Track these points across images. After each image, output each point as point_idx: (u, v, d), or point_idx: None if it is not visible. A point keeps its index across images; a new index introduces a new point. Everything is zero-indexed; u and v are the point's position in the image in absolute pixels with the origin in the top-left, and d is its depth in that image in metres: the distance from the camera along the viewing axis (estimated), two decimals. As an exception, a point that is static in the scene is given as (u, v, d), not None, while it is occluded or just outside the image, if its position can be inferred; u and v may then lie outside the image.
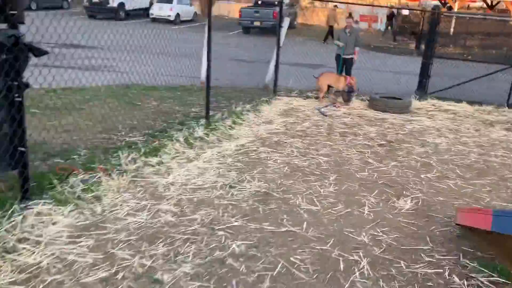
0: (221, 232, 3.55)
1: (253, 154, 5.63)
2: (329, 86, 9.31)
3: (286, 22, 10.38)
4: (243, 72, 9.21)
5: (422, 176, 5.34)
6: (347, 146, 6.27)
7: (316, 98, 9.42)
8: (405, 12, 21.25)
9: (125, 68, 7.69)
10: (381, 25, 28.93)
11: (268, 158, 5.50)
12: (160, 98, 8.09)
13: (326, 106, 8.65)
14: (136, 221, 3.62)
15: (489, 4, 26.69)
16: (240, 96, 9.10)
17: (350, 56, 9.77)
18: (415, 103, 9.52)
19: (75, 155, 4.76)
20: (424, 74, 10.12)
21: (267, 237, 3.56)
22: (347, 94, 9.21)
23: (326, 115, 8.11)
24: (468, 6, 31.68)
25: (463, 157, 6.14)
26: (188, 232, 3.51)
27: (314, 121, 7.60)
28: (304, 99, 9.44)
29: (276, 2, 23.42)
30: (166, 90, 8.90)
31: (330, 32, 20.08)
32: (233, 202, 4.13)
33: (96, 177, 4.16)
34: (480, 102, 9.86)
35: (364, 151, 6.10)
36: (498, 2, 25.73)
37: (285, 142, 6.22)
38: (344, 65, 9.87)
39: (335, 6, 26.98)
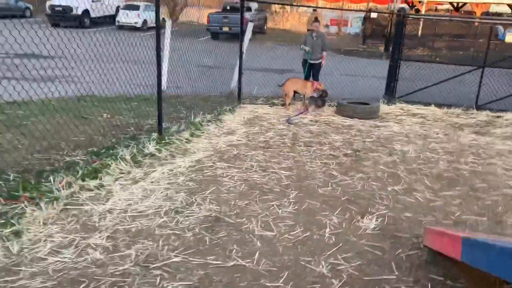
0: (157, 271, 3.05)
1: (208, 171, 5.15)
2: (295, 92, 8.93)
3: (249, 27, 9.97)
4: (208, 78, 8.78)
5: (389, 189, 4.95)
6: (311, 157, 5.85)
7: (283, 105, 9.01)
8: (374, 15, 21.14)
9: (84, 78, 7.10)
10: (351, 28, 28.92)
11: (224, 175, 5.03)
12: (115, 109, 7.54)
13: (297, 115, 8.23)
14: (58, 261, 3.09)
15: (455, 6, 26.95)
16: (203, 105, 8.62)
17: (317, 61, 9.42)
18: (383, 108, 9.22)
19: (1, 181, 4.18)
20: (392, 77, 9.85)
21: (211, 275, 3.08)
22: (321, 100, 8.85)
23: (292, 123, 7.70)
24: (436, 8, 32.01)
25: (431, 165, 5.80)
26: (117, 273, 3.00)
27: (279, 130, 7.17)
28: (270, 106, 9.02)
29: (245, 7, 23.21)
30: (124, 101, 8.34)
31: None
32: (177, 231, 3.64)
33: (19, 208, 3.61)
34: (449, 105, 9.64)
35: (328, 162, 5.69)
36: (464, 4, 25.97)
37: (245, 155, 5.76)
38: (311, 70, 9.52)
39: (314, 10, 26.82)
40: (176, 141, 5.98)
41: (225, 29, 21.32)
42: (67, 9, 21.92)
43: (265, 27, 25.25)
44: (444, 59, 15.68)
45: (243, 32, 8.75)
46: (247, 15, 22.42)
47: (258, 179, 4.98)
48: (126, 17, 23.13)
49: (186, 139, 6.21)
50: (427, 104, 9.69)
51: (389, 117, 8.62)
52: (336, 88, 10.05)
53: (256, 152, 5.91)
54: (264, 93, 9.98)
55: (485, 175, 5.53)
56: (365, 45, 22.45)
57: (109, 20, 24.25)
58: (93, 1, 23.06)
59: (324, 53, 9.39)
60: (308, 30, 20.46)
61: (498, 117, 8.98)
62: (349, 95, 10.02)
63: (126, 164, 4.89)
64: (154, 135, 5.88)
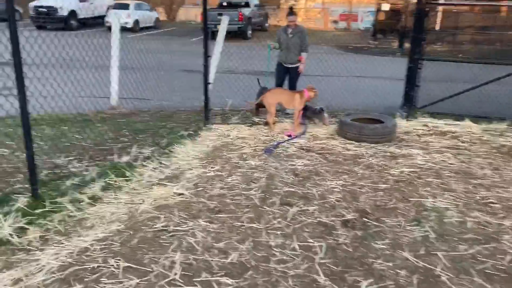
0: None
1: (88, 277, 2.74)
2: (279, 107, 6.49)
3: (225, 21, 7.51)
4: (189, 86, 6.54)
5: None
6: (286, 233, 3.39)
7: (265, 124, 6.56)
8: (385, 7, 18.46)
9: (37, 90, 4.81)
10: (361, 24, 26.18)
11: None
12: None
13: (280, 143, 5.79)
14: None
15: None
16: (159, 126, 6.26)
17: (293, 65, 6.97)
18: (401, 124, 6.70)
19: None
20: (412, 82, 7.28)
21: None
22: (320, 113, 6.50)
23: (271, 152, 5.29)
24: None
25: (490, 247, 3.29)
26: None
27: (249, 170, 4.73)
28: (249, 126, 6.56)
29: (243, 3, 20.72)
30: (58, 122, 6.05)
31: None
32: None
33: None
34: (487, 117, 7.06)
35: (313, 245, 3.24)
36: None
37: (175, 233, 3.34)
38: (288, 77, 7.09)
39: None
40: (69, 206, 3.59)
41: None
42: (51, 11, 19.71)
43: (266, 24, 22.72)
44: (470, 56, 13.00)
45: (207, 32, 6.30)
46: (245, 11, 19.96)
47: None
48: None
49: (91, 197, 3.81)
50: (459, 117, 7.13)
51: (409, 139, 6.10)
52: (339, 94, 7.58)
53: (196, 224, 3.48)
54: (244, 105, 7.57)
55: None
56: (376, 41, 19.76)
57: (101, 21, 22.02)
58: (80, 1, 20.81)
59: (304, 55, 6.90)
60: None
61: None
62: (355, 104, 7.55)
63: None
64: (21, 200, 3.46)
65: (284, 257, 3.04)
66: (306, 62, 7.06)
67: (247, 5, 20.43)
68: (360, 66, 7.90)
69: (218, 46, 7.26)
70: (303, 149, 5.56)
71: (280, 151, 5.42)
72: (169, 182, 4.33)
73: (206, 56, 6.20)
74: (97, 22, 21.91)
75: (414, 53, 7.11)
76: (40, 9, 19.73)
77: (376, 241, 3.30)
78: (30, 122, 3.31)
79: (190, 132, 5.98)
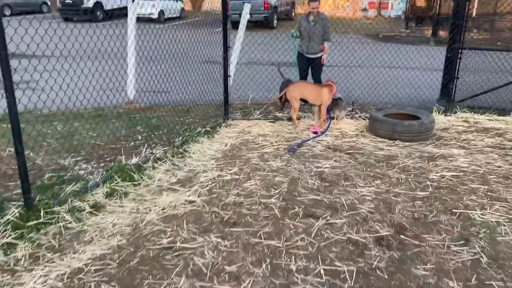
0: None
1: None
2: (303, 101, 5.95)
3: (246, 9, 7.01)
4: (210, 77, 6.13)
5: None
6: (309, 254, 2.90)
7: (289, 119, 6.05)
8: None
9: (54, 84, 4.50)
10: (391, 11, 25.04)
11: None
12: (41, 135, 4.81)
13: (307, 140, 5.29)
14: None
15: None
16: (176, 122, 5.85)
17: (316, 55, 6.41)
18: (439, 119, 6.08)
19: None
20: (451, 74, 6.60)
21: None
22: (339, 106, 5.97)
23: (295, 150, 4.80)
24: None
25: (560, 275, 2.72)
26: None
27: (270, 172, 4.25)
28: (272, 122, 6.07)
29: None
30: (71, 118, 5.73)
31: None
32: None
33: None
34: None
35: (342, 270, 2.73)
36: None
37: (182, 251, 2.90)
38: (310, 68, 6.55)
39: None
40: (67, 216, 3.20)
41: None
42: (77, 2, 19.60)
43: (293, 13, 21.99)
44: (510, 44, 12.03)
45: (226, 21, 5.81)
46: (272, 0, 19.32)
47: None
48: (141, 8, 20.56)
49: (92, 205, 3.42)
50: (503, 112, 6.44)
51: (448, 137, 5.48)
52: (369, 86, 6.98)
53: (206, 240, 3.03)
54: (266, 99, 7.09)
55: None
56: (408, 29, 18.79)
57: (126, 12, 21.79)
58: (106, -8, 20.64)
59: (326, 45, 6.33)
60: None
61: None
62: (387, 97, 6.93)
63: None
64: (12, 211, 3.08)
65: (307, 286, 2.55)
66: (328, 52, 6.51)
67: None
68: (392, 56, 7.24)
69: (239, 36, 6.76)
70: (330, 148, 5.03)
71: (304, 150, 4.91)
72: (181, 186, 3.90)
73: (226, 47, 5.72)
74: (124, 13, 21.66)
75: (453, 42, 6.42)
76: (66, 1, 19.63)
77: (417, 266, 2.77)
78: (20, 123, 2.91)
79: (208, 128, 5.53)
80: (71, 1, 19.55)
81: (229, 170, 4.32)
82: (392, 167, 4.44)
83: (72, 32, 4.26)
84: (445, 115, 6.37)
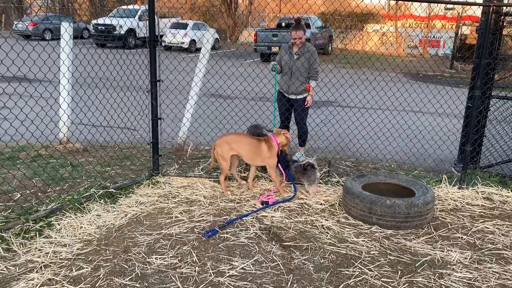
0: None
1: None
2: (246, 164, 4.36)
3: (208, 34, 5.57)
4: (210, 114, 4.86)
5: None
6: None
7: (243, 179, 4.48)
8: (466, 30, 15.38)
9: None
10: (443, 49, 22.81)
11: None
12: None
13: (251, 213, 3.70)
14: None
15: None
16: (97, 172, 4.48)
17: (299, 96, 4.88)
18: (451, 193, 4.29)
19: None
20: (470, 132, 4.71)
21: None
22: (309, 171, 4.19)
23: (214, 233, 3.20)
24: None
25: None
26: None
27: (136, 281, 2.70)
28: (217, 182, 4.51)
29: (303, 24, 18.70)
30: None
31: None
32: None
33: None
34: None
35: None
36: None
37: None
38: (292, 111, 5.02)
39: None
40: None
41: (275, 49, 16.99)
42: (110, 28, 19.33)
43: (329, 47, 20.48)
44: None
45: (154, 44, 4.40)
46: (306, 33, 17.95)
47: None
48: (172, 37, 19.99)
49: None
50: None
51: (455, 224, 3.70)
52: (377, 135, 5.30)
53: None
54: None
55: None
56: (453, 69, 16.63)
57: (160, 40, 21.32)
58: (140, 20, 20.27)
59: (312, 84, 4.80)
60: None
61: None
62: (395, 151, 5.23)
63: None
64: None
65: None
66: (314, 93, 4.95)
67: (307, 26, 18.40)
68: (425, 98, 5.62)
69: (201, 65, 5.34)
70: (267, 232, 3.41)
71: (227, 234, 3.32)
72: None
73: (154, 81, 4.30)
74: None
75: (475, 86, 4.58)
76: (100, 27, 19.43)
77: None
78: None
79: (111, 190, 4.06)
80: (103, 28, 19.30)
81: (79, 269, 2.81)
82: (337, 284, 2.74)
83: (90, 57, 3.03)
84: (459, 187, 4.52)
